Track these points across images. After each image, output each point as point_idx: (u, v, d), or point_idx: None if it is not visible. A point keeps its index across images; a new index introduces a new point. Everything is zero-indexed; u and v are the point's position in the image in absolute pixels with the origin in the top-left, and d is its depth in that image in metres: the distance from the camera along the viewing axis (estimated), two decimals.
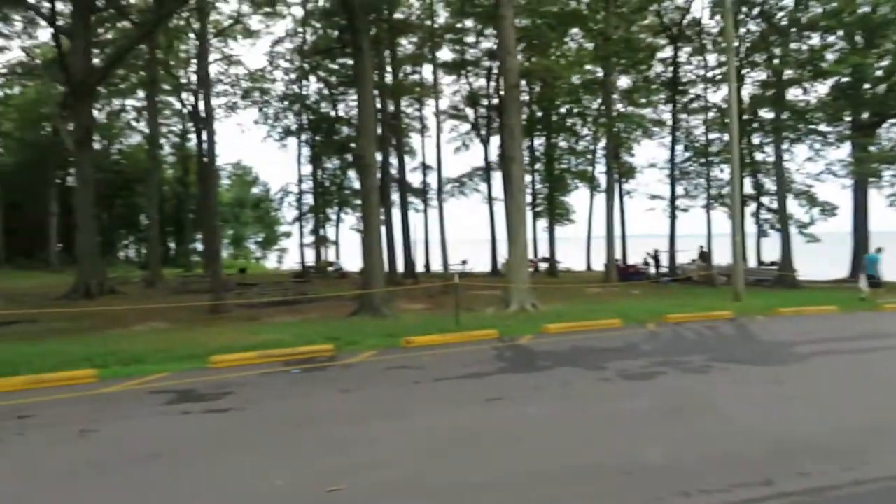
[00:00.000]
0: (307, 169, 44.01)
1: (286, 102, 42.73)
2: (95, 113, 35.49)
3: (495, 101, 35.47)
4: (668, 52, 33.07)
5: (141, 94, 41.39)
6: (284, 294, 22.45)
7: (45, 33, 37.01)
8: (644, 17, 31.64)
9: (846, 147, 29.94)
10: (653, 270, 31.08)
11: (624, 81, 35.32)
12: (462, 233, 58.50)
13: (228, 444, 6.71)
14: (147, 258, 37.82)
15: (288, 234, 64.75)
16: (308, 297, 22.49)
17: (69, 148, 26.56)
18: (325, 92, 42.12)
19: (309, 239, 45.42)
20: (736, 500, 4.96)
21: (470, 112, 39.70)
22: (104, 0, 28.78)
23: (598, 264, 36.37)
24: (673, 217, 32.27)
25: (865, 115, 28.74)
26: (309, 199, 44.42)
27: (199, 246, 51.90)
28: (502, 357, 11.40)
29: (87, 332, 15.39)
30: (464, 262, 36.66)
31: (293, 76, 41.30)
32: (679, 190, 33.04)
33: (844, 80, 27.91)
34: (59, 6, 28.40)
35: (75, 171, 27.88)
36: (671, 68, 33.02)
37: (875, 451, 6.02)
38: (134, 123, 51.57)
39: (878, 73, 27.35)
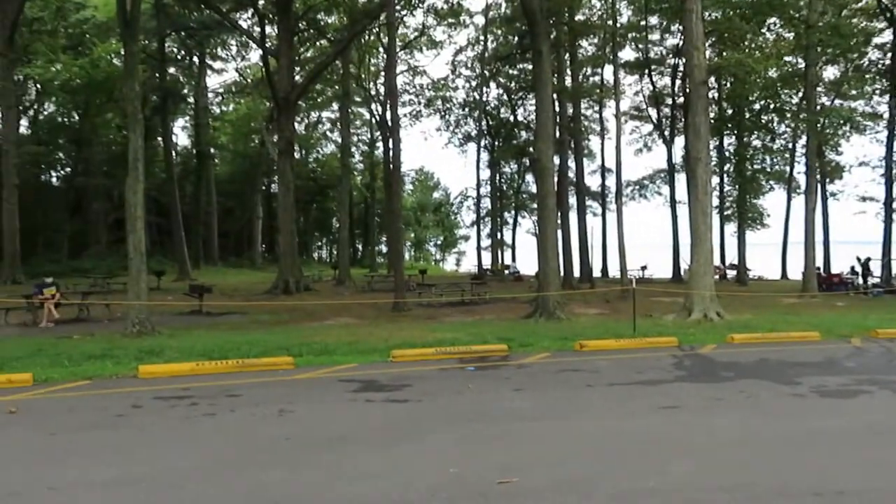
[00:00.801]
0: (486, 174, 45.04)
1: (467, 109, 44.04)
2: (296, 125, 39.05)
3: (680, 99, 33.92)
4: (885, 37, 29.57)
5: (335, 106, 44.86)
6: (461, 295, 23.14)
7: (254, 55, 41.57)
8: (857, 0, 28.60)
9: None
10: (861, 280, 27.87)
11: (830, 72, 32.17)
12: (642, 237, 56.44)
13: (407, 431, 7.11)
14: (337, 259, 40.78)
15: (466, 238, 66.76)
16: (484, 298, 23.01)
17: (273, 157, 29.50)
18: (505, 97, 42.86)
19: (486, 242, 46.42)
20: None
21: (653, 112, 38.34)
22: (305, 21, 31.60)
23: (795, 273, 33.34)
24: (888, 221, 28.78)
25: None
26: (487, 204, 45.41)
27: (384, 248, 55.14)
28: (681, 366, 10.91)
29: (286, 324, 17.00)
30: (643, 268, 35.41)
31: (474, 83, 42.47)
32: None
33: None
34: (268, 30, 31.67)
35: (278, 179, 30.89)
36: (889, 54, 29.46)
37: None
38: (328, 134, 56.11)
39: None
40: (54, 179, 45.27)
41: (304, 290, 26.40)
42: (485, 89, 42.20)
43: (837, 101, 32.47)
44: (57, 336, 14.39)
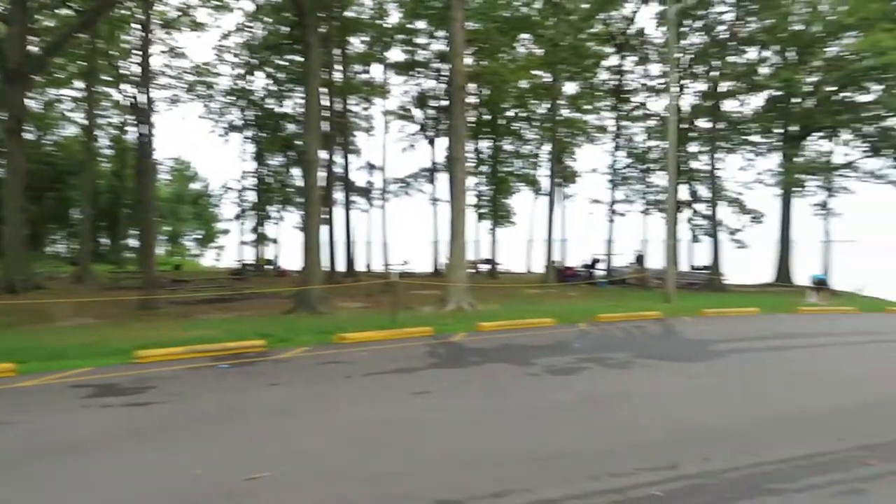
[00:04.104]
0: (251, 165, 43.40)
1: (232, 98, 41.97)
2: (29, 102, 34.14)
3: (444, 102, 35.64)
4: (613, 61, 33.85)
5: (79, 84, 40.02)
6: (219, 291, 22.08)
7: None
8: (592, 26, 32.31)
9: (775, 157, 31.28)
10: (590, 272, 31.71)
11: (570, 87, 36.01)
12: (407, 233, 58.50)
13: (148, 436, 6.62)
14: (77, 253, 36.54)
15: (227, 232, 63.58)
16: (244, 294, 22.18)
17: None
18: (272, 88, 41.56)
19: (249, 236, 44.76)
20: (641, 482, 5.20)
21: (418, 113, 39.77)
22: None
23: (539, 266, 36.91)
24: (611, 221, 33.06)
25: (794, 128, 30.07)
26: (251, 197, 43.77)
27: (134, 242, 50.46)
28: (434, 353, 11.52)
29: (9, 328, 14.84)
30: (405, 262, 36.71)
31: (240, 71, 40.61)
32: (618, 195, 33.86)
33: (776, 93, 29.17)
34: None
35: (6, 162, 26.81)
36: (616, 76, 33.81)
37: (771, 437, 6.38)
38: (70, 114, 49.82)
39: (807, 87, 28.66)
40: None
41: (33, 289, 23.21)
42: (251, 78, 40.59)
43: (575, 114, 36.46)
44: None
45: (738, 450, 5.98)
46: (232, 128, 43.04)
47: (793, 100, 29.27)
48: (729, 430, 6.63)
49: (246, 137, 42.48)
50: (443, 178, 36.77)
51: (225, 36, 39.30)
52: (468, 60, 29.03)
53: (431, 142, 38.56)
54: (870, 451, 5.99)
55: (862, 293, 29.09)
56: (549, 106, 33.84)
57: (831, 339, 13.62)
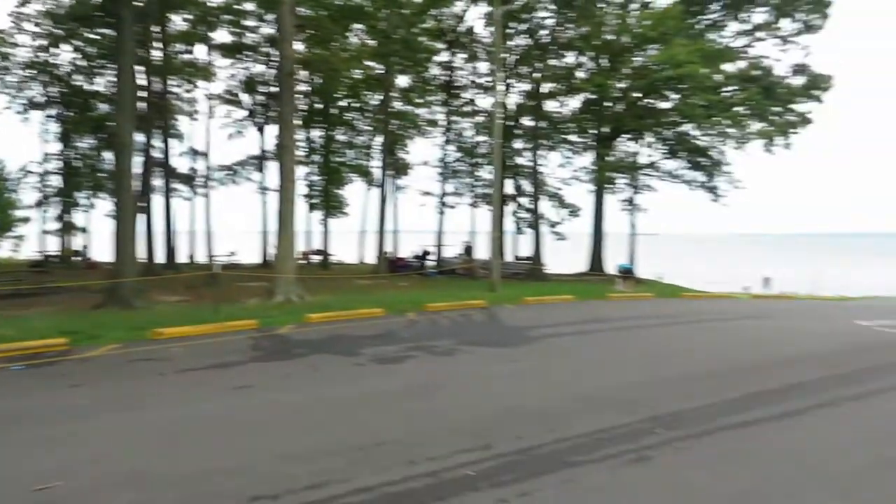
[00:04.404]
0: (55, 147, 39.19)
1: (33, 71, 37.56)
2: None
3: (274, 88, 34.43)
4: (444, 57, 34.60)
5: None
6: (17, 285, 19.79)
7: None
8: (424, 21, 32.78)
9: (590, 156, 33.76)
10: (421, 263, 32.35)
11: (403, 80, 36.33)
12: (234, 224, 56.06)
13: None
14: None
15: (27, 220, 57.03)
16: (46, 287, 20.02)
17: None
18: (81, 63, 37.74)
19: (54, 225, 40.49)
20: (456, 463, 5.40)
21: (246, 98, 38.10)
22: None
23: (371, 257, 37.02)
24: (442, 213, 33.93)
25: (606, 129, 32.65)
26: (56, 182, 39.56)
27: None
28: (258, 347, 11.16)
29: None
30: (232, 254, 35.18)
31: (42, 42, 36.42)
32: (448, 188, 34.79)
33: (591, 96, 31.46)
34: None
35: None
36: (447, 72, 34.62)
37: (577, 414, 6.91)
38: None
39: (617, 93, 31.20)
40: None
41: None
42: (55, 51, 36.55)
43: (408, 107, 36.89)
44: None
45: (547, 427, 6.40)
46: (32, 105, 38.60)
47: (605, 103, 31.72)
48: (540, 410, 7.08)
49: (49, 116, 38.28)
50: (272, 167, 35.64)
51: (23, 2, 35.13)
52: (299, 47, 28.32)
53: (261, 129, 37.16)
54: (658, 422, 6.68)
55: (662, 281, 32.37)
56: (381, 98, 33.94)
57: (634, 323, 14.99)
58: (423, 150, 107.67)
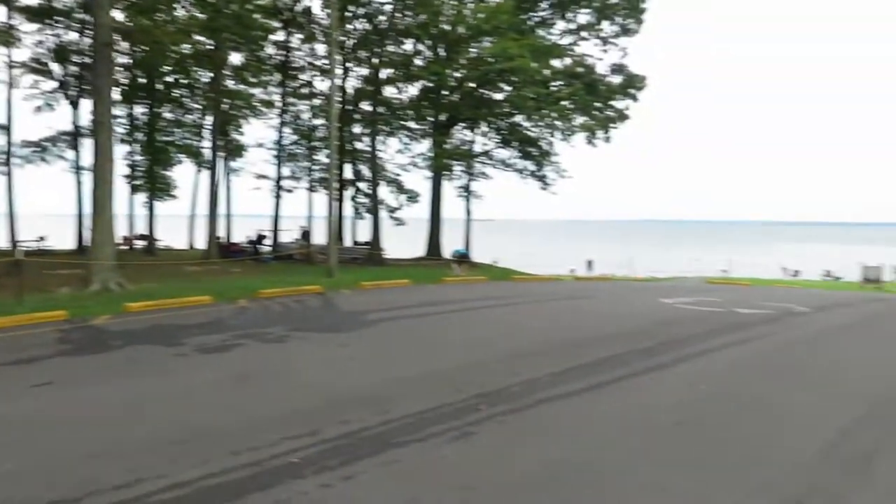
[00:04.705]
0: None
1: None
2: None
3: (89, 59, 31.39)
4: (280, 36, 33.42)
5: None
6: None
7: None
8: None
9: (427, 143, 34.35)
10: (256, 248, 31.25)
11: (236, 58, 34.61)
12: (46, 206, 50.74)
13: None
14: None
15: None
16: None
17: None
18: None
19: None
20: (281, 451, 5.32)
21: (57, 68, 34.42)
22: None
23: (202, 242, 35.17)
24: (278, 197, 32.96)
25: (443, 117, 33.35)
26: None
27: None
28: (66, 339, 10.24)
29: None
30: (41, 238, 31.89)
31: None
32: (285, 171, 33.83)
33: (429, 84, 31.95)
34: None
35: None
36: (283, 52, 33.49)
37: (405, 397, 7.06)
38: None
39: (453, 82, 31.95)
40: None
41: None
42: None
43: (242, 86, 35.26)
44: None
45: (373, 410, 6.48)
46: None
47: (442, 92, 32.37)
48: (368, 393, 7.16)
49: None
50: (88, 145, 32.58)
51: None
52: (118, 15, 26.08)
53: (74, 103, 33.77)
54: (482, 399, 7.00)
55: (496, 265, 33.84)
56: (213, 75, 32.17)
57: (466, 305, 15.54)
58: (258, 132, 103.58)
